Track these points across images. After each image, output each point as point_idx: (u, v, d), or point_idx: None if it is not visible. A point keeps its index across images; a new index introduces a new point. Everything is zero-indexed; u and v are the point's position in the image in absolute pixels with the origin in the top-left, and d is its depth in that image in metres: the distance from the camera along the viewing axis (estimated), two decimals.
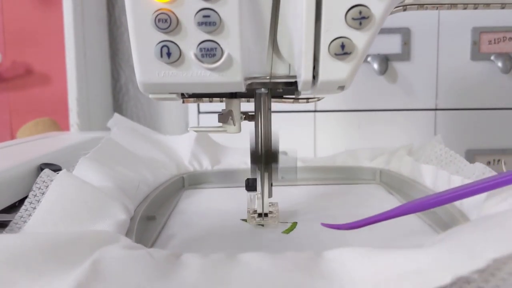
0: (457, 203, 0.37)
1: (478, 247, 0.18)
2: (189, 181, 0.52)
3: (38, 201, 0.30)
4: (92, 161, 0.37)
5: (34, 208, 0.30)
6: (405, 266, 0.18)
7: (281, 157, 0.36)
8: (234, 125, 0.35)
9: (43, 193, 0.31)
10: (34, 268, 0.20)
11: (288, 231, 0.35)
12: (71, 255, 0.21)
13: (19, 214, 0.30)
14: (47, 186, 0.31)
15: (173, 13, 0.27)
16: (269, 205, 0.37)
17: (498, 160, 0.80)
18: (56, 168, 0.38)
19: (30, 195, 0.31)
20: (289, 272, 0.20)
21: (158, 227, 0.36)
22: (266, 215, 0.36)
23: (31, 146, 0.53)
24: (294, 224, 0.36)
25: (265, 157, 0.35)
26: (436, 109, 0.80)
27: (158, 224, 0.36)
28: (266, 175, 0.36)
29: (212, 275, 0.20)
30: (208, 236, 0.34)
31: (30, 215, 0.29)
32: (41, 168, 0.40)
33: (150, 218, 0.38)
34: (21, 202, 0.34)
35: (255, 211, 0.37)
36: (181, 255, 0.22)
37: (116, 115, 0.59)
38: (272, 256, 0.21)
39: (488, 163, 0.79)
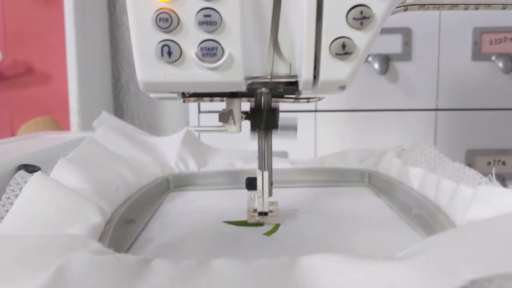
0: (442, 207, 0.36)
1: (457, 265, 0.17)
2: (174, 183, 0.50)
3: (11, 203, 0.29)
4: (71, 163, 0.36)
5: (7, 210, 0.29)
6: (380, 281, 0.18)
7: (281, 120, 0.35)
8: (235, 124, 0.35)
9: (16, 195, 0.29)
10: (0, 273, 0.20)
11: (270, 233, 0.34)
12: (39, 260, 0.21)
13: None
14: (20, 188, 0.30)
15: (174, 12, 0.27)
16: (269, 204, 0.37)
17: (499, 161, 0.79)
18: (35, 169, 0.36)
19: (3, 197, 0.30)
20: (261, 281, 0.19)
21: (136, 231, 0.34)
22: (266, 214, 0.37)
23: (14, 146, 0.51)
24: (277, 226, 0.36)
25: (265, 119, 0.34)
26: (436, 109, 0.80)
27: (137, 228, 0.35)
28: (266, 174, 0.36)
29: (182, 282, 0.19)
30: (188, 239, 0.33)
31: (2, 217, 0.28)
32: (19, 169, 0.39)
33: (129, 221, 0.36)
34: None
35: (255, 210, 0.37)
36: (151, 260, 0.21)
37: (104, 113, 0.56)
38: (245, 263, 0.21)
39: (488, 164, 0.79)
